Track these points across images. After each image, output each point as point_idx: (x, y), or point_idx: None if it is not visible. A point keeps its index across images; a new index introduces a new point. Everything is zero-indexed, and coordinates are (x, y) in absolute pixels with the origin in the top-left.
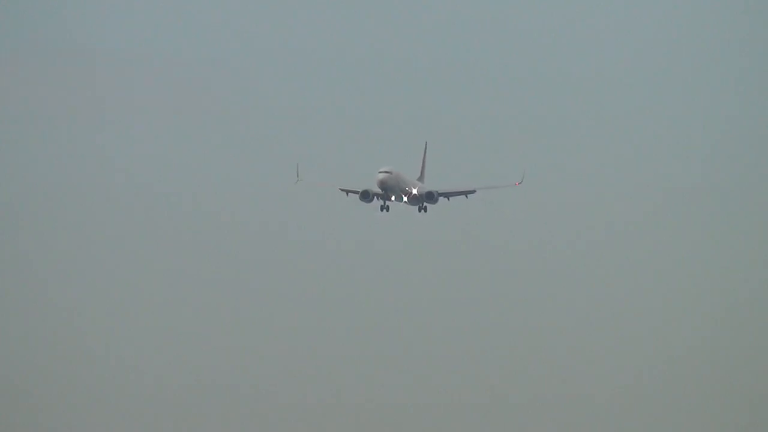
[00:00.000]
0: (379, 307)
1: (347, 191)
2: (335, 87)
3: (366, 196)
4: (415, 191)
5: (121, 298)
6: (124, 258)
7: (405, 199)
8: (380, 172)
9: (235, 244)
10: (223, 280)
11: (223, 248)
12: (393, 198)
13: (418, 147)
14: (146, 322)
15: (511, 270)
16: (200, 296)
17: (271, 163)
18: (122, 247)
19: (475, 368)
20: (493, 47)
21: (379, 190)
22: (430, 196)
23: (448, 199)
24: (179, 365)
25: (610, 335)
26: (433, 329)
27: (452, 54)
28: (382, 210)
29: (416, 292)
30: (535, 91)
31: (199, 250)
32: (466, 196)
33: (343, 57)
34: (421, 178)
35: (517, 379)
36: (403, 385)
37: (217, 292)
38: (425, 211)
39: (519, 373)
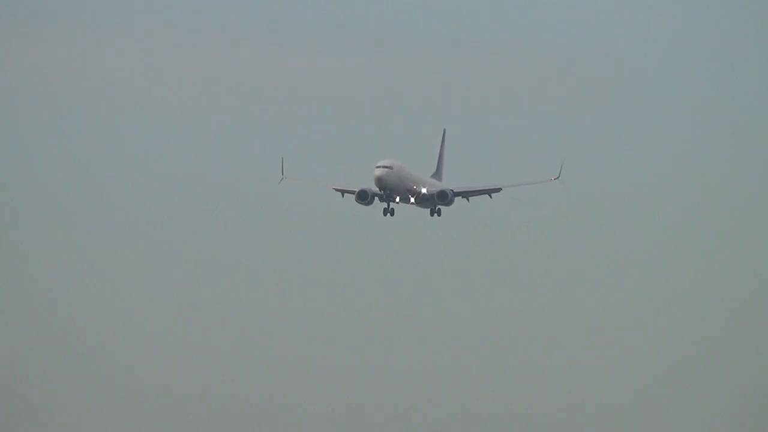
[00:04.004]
0: (378, 324)
1: (342, 191)
2: (328, 61)
3: (363, 196)
4: (424, 190)
5: (107, 299)
6: (113, 259)
7: (412, 199)
8: (378, 167)
9: (210, 248)
10: (202, 292)
11: (200, 253)
12: (398, 199)
13: (435, 136)
14: (134, 321)
15: (539, 284)
16: (184, 302)
17: (249, 157)
18: (110, 248)
19: (487, 384)
20: (522, 21)
21: (378, 190)
22: (443, 196)
23: (468, 199)
24: (168, 367)
25: (646, 341)
26: (442, 352)
27: (474, 26)
28: (385, 214)
29: (428, 312)
30: (569, 73)
31: (176, 257)
32: (490, 196)
33: (339, 24)
34: (437, 174)
35: (534, 391)
36: (407, 401)
37: (199, 301)
38: (438, 214)
39: (538, 386)
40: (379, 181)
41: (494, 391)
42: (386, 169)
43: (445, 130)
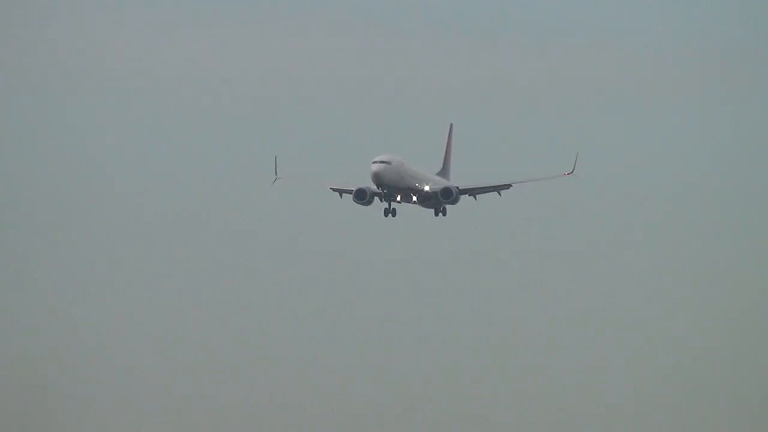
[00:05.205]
0: (380, 331)
1: (340, 191)
2: (324, 53)
3: (361, 195)
4: (427, 188)
5: (93, 300)
6: (100, 261)
7: (414, 198)
8: (374, 163)
9: (201, 253)
10: (193, 297)
11: (190, 257)
12: (399, 198)
13: (441, 131)
14: (124, 324)
15: (551, 288)
16: (176, 307)
17: (240, 156)
18: (98, 249)
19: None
20: (533, 11)
21: (376, 188)
22: (447, 194)
23: (475, 197)
24: (161, 369)
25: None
26: (446, 360)
27: (482, 13)
28: (386, 214)
29: (431, 318)
30: (581, 66)
31: (166, 261)
32: (499, 194)
33: (336, 11)
34: (443, 172)
35: (547, 396)
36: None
37: (190, 307)
38: (443, 214)
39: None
40: (377, 177)
41: (506, 398)
42: (383, 165)
43: (452, 124)
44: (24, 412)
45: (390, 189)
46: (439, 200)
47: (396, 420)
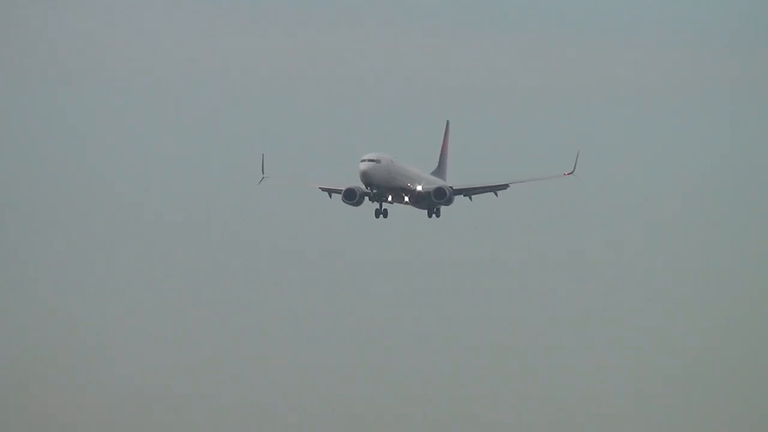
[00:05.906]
0: (370, 336)
1: (329, 191)
2: (313, 44)
3: (350, 195)
4: (419, 188)
5: (74, 302)
6: (82, 263)
7: (407, 198)
8: (363, 161)
9: (185, 255)
10: (176, 301)
11: (175, 260)
12: (390, 198)
13: (437, 128)
14: (108, 327)
15: (550, 293)
16: (160, 311)
17: (225, 154)
18: (79, 251)
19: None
20: (533, 6)
21: (366, 188)
22: (441, 194)
23: (470, 198)
24: (149, 372)
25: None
26: (439, 369)
27: (481, 6)
28: (377, 215)
29: (423, 324)
30: (583, 63)
31: (150, 264)
32: (496, 194)
33: (329, 7)
34: (439, 171)
35: (545, 401)
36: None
37: (174, 310)
38: (437, 215)
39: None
40: (365, 177)
41: (505, 399)
42: (372, 163)
43: (448, 121)
44: (24, 412)
45: (380, 189)
46: (432, 201)
47: (388, 421)
